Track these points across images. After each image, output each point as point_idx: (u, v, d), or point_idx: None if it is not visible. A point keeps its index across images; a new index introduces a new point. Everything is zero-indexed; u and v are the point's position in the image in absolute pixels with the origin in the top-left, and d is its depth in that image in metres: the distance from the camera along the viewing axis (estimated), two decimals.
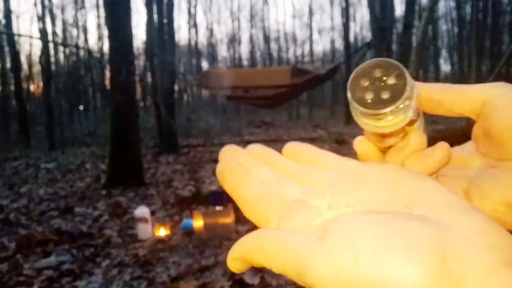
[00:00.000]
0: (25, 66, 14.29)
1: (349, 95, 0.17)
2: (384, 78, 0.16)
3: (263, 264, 0.14)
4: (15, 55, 10.23)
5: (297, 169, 0.17)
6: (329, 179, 0.16)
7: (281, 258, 0.13)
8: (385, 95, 0.16)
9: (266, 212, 0.15)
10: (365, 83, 0.17)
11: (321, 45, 30.26)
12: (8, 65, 11.59)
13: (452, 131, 2.37)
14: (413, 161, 0.18)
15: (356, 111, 0.17)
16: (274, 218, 0.15)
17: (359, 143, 0.20)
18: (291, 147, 0.19)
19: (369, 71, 0.17)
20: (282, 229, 0.14)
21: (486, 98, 0.18)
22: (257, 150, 0.19)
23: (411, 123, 0.17)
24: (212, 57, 21.03)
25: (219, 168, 0.18)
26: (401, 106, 0.16)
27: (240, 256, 0.15)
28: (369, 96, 0.16)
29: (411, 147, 0.18)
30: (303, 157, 0.18)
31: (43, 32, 10.42)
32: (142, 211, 2.42)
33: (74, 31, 16.57)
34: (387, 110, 0.16)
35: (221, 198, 2.47)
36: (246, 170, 0.17)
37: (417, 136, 0.18)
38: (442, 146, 0.18)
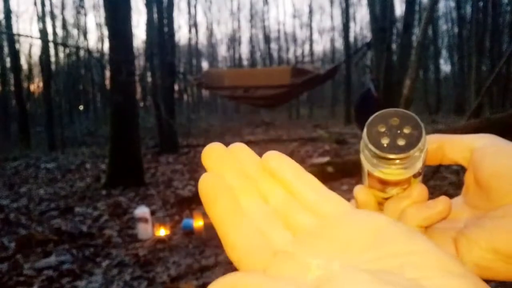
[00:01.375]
0: (25, 66, 14.30)
1: (365, 137, 0.17)
2: (401, 126, 0.17)
3: None
4: (15, 55, 10.22)
5: (283, 203, 0.16)
6: (316, 227, 0.15)
7: None
8: (401, 142, 0.17)
9: (254, 262, 0.14)
10: (382, 128, 0.17)
11: (321, 45, 30.29)
12: (8, 65, 11.59)
13: (452, 131, 2.37)
14: (414, 211, 0.18)
15: (370, 153, 0.18)
16: (262, 266, 0.14)
17: (360, 192, 0.20)
18: (273, 162, 0.16)
19: (386, 118, 0.18)
20: (268, 278, 0.13)
21: (475, 146, 0.19)
22: (241, 155, 0.17)
23: (417, 175, 0.18)
24: (212, 57, 21.04)
25: (204, 188, 0.15)
26: (415, 155, 0.17)
27: None
28: (385, 141, 0.17)
29: (413, 197, 0.19)
30: (284, 180, 0.16)
31: (43, 32, 10.42)
32: (142, 211, 2.42)
33: (74, 31, 16.57)
34: (402, 155, 0.17)
35: None
36: (235, 202, 0.15)
37: (420, 188, 0.19)
38: (444, 199, 0.19)
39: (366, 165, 0.18)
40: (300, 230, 0.15)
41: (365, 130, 0.18)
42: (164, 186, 4.03)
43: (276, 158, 0.16)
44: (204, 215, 2.33)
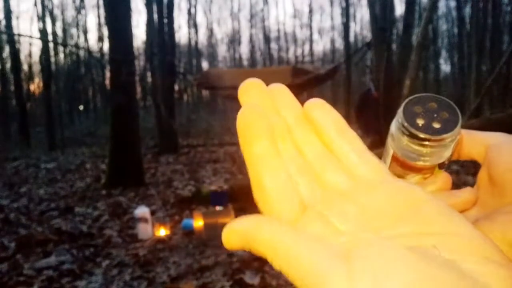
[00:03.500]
0: (25, 66, 14.30)
1: (400, 114, 0.17)
2: (438, 111, 0.17)
3: (263, 255, 0.13)
4: (15, 55, 10.22)
5: (318, 157, 0.15)
6: (349, 190, 0.14)
7: (293, 264, 0.12)
8: (436, 125, 0.17)
9: (280, 210, 0.14)
10: (419, 109, 0.17)
11: (321, 45, 30.29)
12: (8, 65, 11.60)
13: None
14: (440, 197, 0.18)
15: (401, 132, 0.17)
16: (289, 217, 0.14)
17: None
18: (317, 112, 0.15)
19: (424, 100, 0.18)
20: (297, 232, 0.13)
21: (490, 143, 0.19)
22: (281, 97, 0.16)
23: (441, 165, 0.18)
24: (212, 57, 21.04)
25: (245, 122, 0.14)
26: (448, 140, 0.17)
27: (241, 237, 0.13)
28: (420, 121, 0.17)
29: (438, 184, 0.19)
30: (325, 133, 0.15)
31: (43, 32, 10.42)
32: (142, 211, 2.42)
33: (74, 31, 16.58)
34: (434, 137, 0.16)
35: (221, 198, 2.47)
36: (275, 143, 0.14)
37: (446, 175, 0.19)
38: (470, 189, 0.19)
39: (393, 146, 0.18)
40: (331, 189, 0.14)
41: (401, 108, 0.17)
42: (164, 186, 4.02)
43: (320, 108, 0.16)
44: (204, 215, 2.33)
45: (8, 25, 9.79)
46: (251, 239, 0.13)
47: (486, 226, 0.17)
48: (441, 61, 19.33)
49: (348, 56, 11.45)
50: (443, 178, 0.19)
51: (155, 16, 7.04)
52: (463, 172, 3.97)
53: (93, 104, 18.05)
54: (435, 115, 0.17)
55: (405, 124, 0.17)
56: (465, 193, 0.18)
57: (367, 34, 15.75)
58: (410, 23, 5.32)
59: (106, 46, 11.89)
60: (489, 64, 10.25)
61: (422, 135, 0.17)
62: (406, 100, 0.18)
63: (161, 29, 6.84)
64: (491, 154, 0.19)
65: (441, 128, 0.17)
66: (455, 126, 0.17)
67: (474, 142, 0.20)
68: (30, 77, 14.86)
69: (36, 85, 15.75)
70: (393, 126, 0.18)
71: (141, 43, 13.49)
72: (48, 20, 11.89)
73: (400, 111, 0.17)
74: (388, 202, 0.13)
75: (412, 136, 0.17)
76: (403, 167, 0.18)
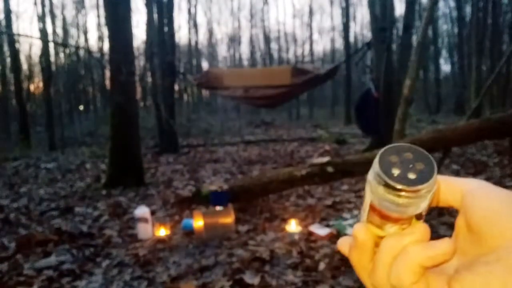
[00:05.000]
0: (25, 66, 14.29)
1: (376, 165, 0.17)
2: (414, 161, 0.17)
3: None
4: (15, 55, 10.22)
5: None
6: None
7: None
8: (412, 176, 0.17)
9: None
10: (394, 159, 0.17)
11: (321, 45, 30.27)
12: (8, 65, 11.59)
13: (453, 130, 2.36)
14: (419, 249, 0.18)
15: (378, 181, 0.17)
16: None
17: (359, 230, 0.20)
18: None
19: (400, 151, 0.18)
20: None
21: (465, 189, 0.20)
22: None
23: (419, 216, 0.18)
24: (212, 57, 21.03)
25: None
26: (423, 192, 0.17)
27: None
28: (396, 171, 0.17)
29: (416, 235, 0.18)
30: None
31: (43, 32, 10.42)
32: (142, 211, 2.42)
33: (74, 31, 16.57)
34: (410, 188, 0.17)
35: (221, 198, 2.47)
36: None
37: (424, 226, 0.19)
38: (448, 240, 0.18)
39: (370, 196, 0.18)
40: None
41: (377, 157, 0.18)
42: (164, 186, 4.02)
43: None
44: (204, 215, 2.33)
45: (8, 25, 9.79)
46: None
47: (468, 279, 0.17)
48: (441, 61, 19.33)
49: (348, 56, 11.46)
50: (421, 229, 0.18)
51: (155, 16, 7.03)
52: (463, 172, 3.96)
53: (93, 104, 18.05)
54: (411, 166, 0.17)
55: (381, 173, 0.17)
56: (443, 244, 0.18)
57: (368, 34, 15.77)
58: (410, 23, 5.32)
59: (106, 46, 11.88)
60: (489, 64, 10.26)
61: (397, 186, 0.17)
62: (382, 150, 0.18)
63: (161, 29, 6.84)
64: (467, 200, 0.19)
65: (417, 178, 0.17)
66: (430, 177, 0.17)
67: (450, 189, 0.20)
68: (30, 77, 14.86)
69: (36, 85, 15.75)
70: (370, 175, 0.18)
71: (141, 43, 13.49)
72: (48, 20, 11.90)
73: (376, 161, 0.18)
74: None
75: (387, 186, 0.17)
76: (380, 216, 0.18)
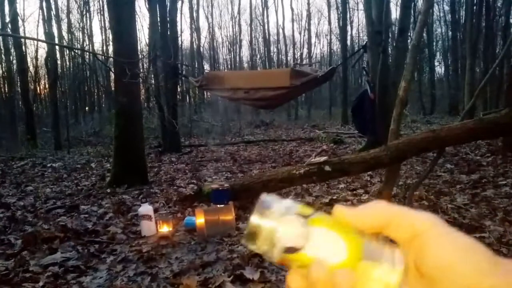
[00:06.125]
0: (31, 68, 14.47)
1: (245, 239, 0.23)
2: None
3: None
4: (22, 57, 10.36)
5: None
6: None
7: None
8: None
9: None
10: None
11: (319, 48, 30.31)
12: (15, 67, 11.75)
13: (446, 130, 2.37)
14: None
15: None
16: None
17: (291, 279, 0.21)
18: None
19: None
20: None
21: (418, 230, 0.19)
22: None
23: (291, 250, 0.21)
24: (214, 59, 21.10)
25: None
26: (252, 246, 0.22)
27: None
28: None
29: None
30: None
31: (48, 35, 10.55)
32: (145, 208, 2.46)
33: (80, 34, 16.73)
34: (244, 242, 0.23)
35: (222, 196, 2.50)
36: None
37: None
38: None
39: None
40: None
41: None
42: (167, 184, 4.07)
43: None
44: (205, 212, 2.37)
45: (15, 28, 9.93)
46: None
47: None
48: (436, 63, 19.27)
49: (345, 59, 11.48)
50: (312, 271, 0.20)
51: (159, 19, 7.11)
52: (457, 171, 3.96)
53: (98, 105, 18.19)
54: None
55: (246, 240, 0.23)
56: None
57: (364, 37, 15.74)
58: (406, 27, 5.35)
59: (111, 48, 11.98)
60: (482, 66, 10.22)
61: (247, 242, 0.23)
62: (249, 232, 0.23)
63: (164, 32, 6.91)
64: (418, 245, 0.19)
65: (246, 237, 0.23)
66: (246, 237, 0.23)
67: (399, 225, 0.19)
68: (36, 79, 15.05)
69: (42, 87, 15.93)
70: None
71: (145, 46, 13.58)
72: (53, 23, 12.05)
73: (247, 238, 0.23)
74: None
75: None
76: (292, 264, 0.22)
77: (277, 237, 0.21)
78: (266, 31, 20.55)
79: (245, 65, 21.36)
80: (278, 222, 0.21)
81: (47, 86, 12.60)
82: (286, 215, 0.22)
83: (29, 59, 14.15)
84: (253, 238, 0.22)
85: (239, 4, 29.16)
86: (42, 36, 12.81)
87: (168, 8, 7.11)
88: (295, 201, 0.23)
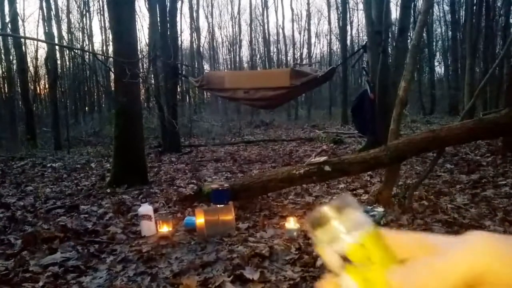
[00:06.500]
0: (31, 68, 14.47)
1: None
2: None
3: None
4: (22, 57, 10.37)
5: None
6: None
7: None
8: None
9: None
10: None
11: (319, 48, 30.35)
12: (15, 67, 11.75)
13: (446, 130, 2.37)
14: None
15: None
16: None
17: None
18: None
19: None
20: None
21: (477, 273, 0.16)
22: None
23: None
24: (214, 59, 21.13)
25: None
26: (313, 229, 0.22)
27: None
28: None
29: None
30: None
31: (48, 35, 10.55)
32: (145, 208, 2.46)
33: (80, 34, 16.74)
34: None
35: (222, 196, 2.50)
36: None
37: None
38: None
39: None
40: None
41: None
42: (167, 184, 4.07)
43: None
44: (205, 212, 2.37)
45: (15, 28, 9.94)
46: None
47: None
48: (436, 63, 19.31)
49: (345, 59, 11.50)
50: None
51: (158, 19, 7.11)
52: (457, 171, 3.96)
53: (98, 105, 18.20)
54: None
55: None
56: None
57: (364, 37, 15.76)
58: (406, 27, 5.36)
59: (111, 48, 11.98)
60: (482, 66, 10.23)
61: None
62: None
63: (164, 32, 6.91)
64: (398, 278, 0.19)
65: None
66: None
67: (450, 271, 0.17)
68: (36, 79, 15.05)
69: (42, 87, 15.93)
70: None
71: (144, 46, 13.60)
72: (53, 23, 12.05)
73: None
74: None
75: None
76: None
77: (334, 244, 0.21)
78: (266, 31, 20.63)
79: (245, 65, 21.40)
80: (341, 234, 0.21)
81: (47, 86, 12.61)
82: (351, 231, 0.21)
83: (29, 59, 14.17)
84: (318, 225, 0.22)
85: (239, 4, 29.29)
86: (42, 36, 12.81)
87: (168, 8, 7.12)
88: (368, 220, 0.22)
